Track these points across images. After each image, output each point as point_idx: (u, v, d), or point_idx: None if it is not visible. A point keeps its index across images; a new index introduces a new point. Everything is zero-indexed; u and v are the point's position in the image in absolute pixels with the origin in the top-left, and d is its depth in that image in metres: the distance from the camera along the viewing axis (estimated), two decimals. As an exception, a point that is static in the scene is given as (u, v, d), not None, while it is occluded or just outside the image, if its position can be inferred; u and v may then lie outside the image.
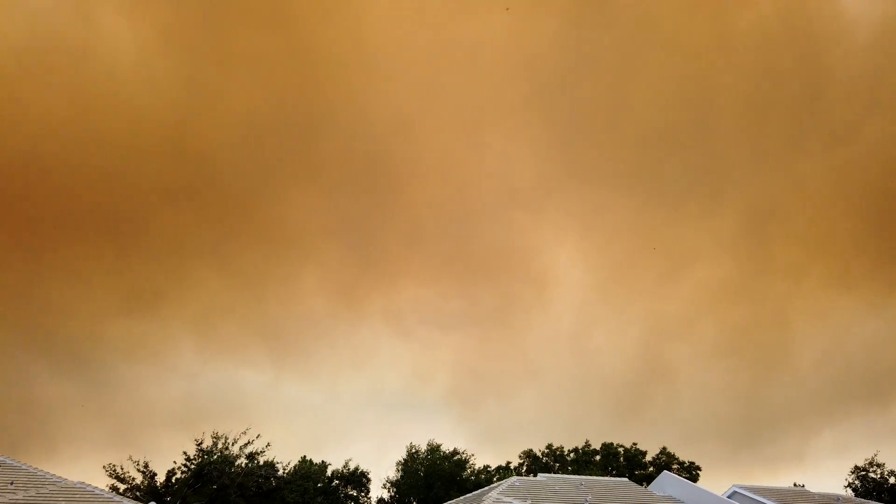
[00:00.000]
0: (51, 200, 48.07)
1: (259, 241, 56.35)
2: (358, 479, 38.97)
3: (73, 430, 42.39)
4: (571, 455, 46.26)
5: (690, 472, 43.81)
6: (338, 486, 38.29)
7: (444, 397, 57.47)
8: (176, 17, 47.90)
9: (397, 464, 39.56)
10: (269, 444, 29.57)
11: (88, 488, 16.20)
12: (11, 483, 15.09)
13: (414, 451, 39.62)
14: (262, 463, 30.05)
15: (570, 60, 52.52)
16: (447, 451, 39.28)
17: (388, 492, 39.10)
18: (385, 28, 51.08)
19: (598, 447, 46.22)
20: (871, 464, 38.75)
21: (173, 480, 26.61)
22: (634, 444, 45.80)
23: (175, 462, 27.16)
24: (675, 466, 43.93)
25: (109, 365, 47.15)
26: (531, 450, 46.92)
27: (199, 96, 51.17)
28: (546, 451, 46.90)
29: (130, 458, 25.85)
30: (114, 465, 25.39)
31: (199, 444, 27.48)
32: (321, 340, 58.14)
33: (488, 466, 43.36)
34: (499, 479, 38.39)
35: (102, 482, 25.06)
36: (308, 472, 35.33)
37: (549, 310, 61.36)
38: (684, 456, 44.51)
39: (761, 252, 59.42)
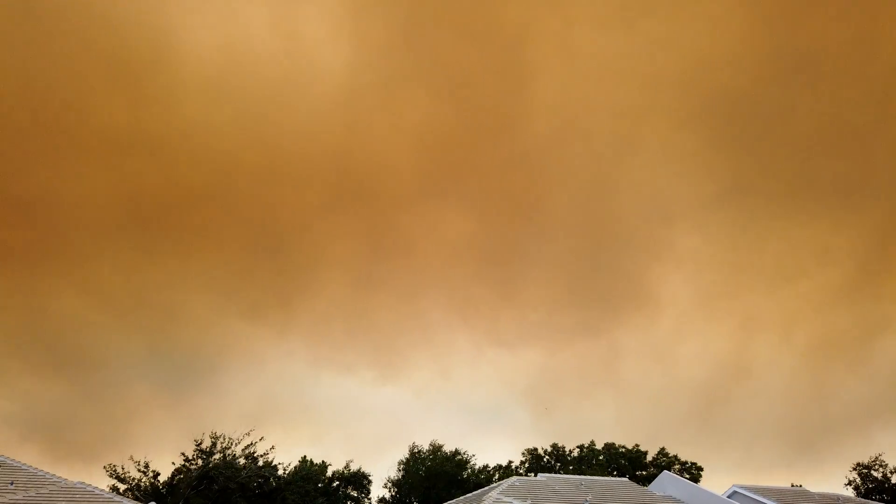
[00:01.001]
0: (202, 208, 51.77)
1: (395, 256, 58.14)
2: (359, 480, 38.98)
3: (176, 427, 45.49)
4: (574, 454, 46.29)
5: (692, 472, 43.76)
6: (338, 486, 38.31)
7: (525, 401, 58.09)
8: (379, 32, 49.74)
9: (399, 463, 39.61)
10: (273, 447, 29.67)
11: (88, 488, 16.26)
12: (11, 483, 15.16)
13: (416, 450, 39.64)
14: (262, 464, 30.09)
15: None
16: (449, 452, 39.30)
17: (390, 491, 39.14)
18: (551, 38, 51.05)
19: (600, 447, 46.26)
20: (874, 461, 38.67)
21: (175, 481, 26.67)
22: (636, 444, 45.81)
23: (174, 463, 27.24)
24: (676, 467, 43.90)
25: (222, 367, 50.88)
26: (535, 448, 46.96)
27: (374, 109, 52.93)
28: (549, 449, 46.92)
29: (132, 457, 25.95)
30: (114, 465, 25.47)
31: (198, 445, 27.53)
32: (432, 351, 60.17)
33: (488, 466, 43.37)
34: (499, 479, 38.42)
35: (104, 482, 25.18)
36: (308, 472, 35.36)
37: (650, 319, 60.71)
38: (752, 462, 44.13)
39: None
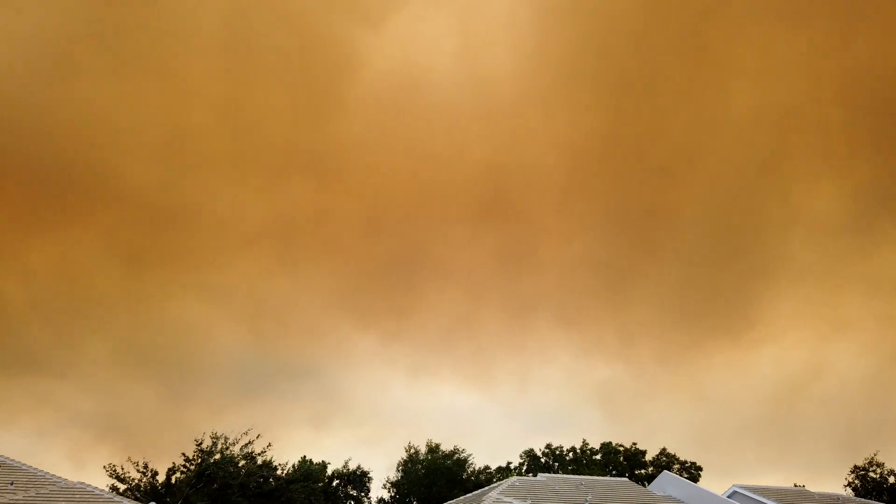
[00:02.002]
0: (339, 221, 55.77)
1: (519, 270, 59.70)
2: (359, 479, 38.94)
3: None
4: (570, 455, 46.27)
5: (691, 472, 43.79)
6: (338, 486, 38.28)
7: (605, 412, 58.52)
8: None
9: (398, 464, 39.56)
10: (269, 445, 29.60)
11: (88, 488, 16.21)
12: (11, 483, 15.11)
13: (414, 451, 39.57)
14: (261, 463, 30.04)
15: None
16: (446, 451, 39.22)
17: (389, 492, 39.09)
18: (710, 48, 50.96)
19: (597, 447, 46.24)
20: (870, 463, 38.73)
21: (173, 480, 26.60)
22: (634, 443, 45.80)
23: (174, 462, 27.18)
24: (675, 467, 43.92)
25: (328, 372, 54.26)
26: (531, 449, 46.94)
27: (532, 120, 54.44)
28: (546, 450, 46.90)
29: (129, 458, 25.88)
30: (114, 465, 25.41)
31: (198, 444, 27.48)
32: (524, 361, 61.32)
33: (488, 467, 43.36)
34: (499, 479, 38.41)
35: (103, 482, 25.12)
36: (308, 471, 35.33)
37: (749, 337, 60.12)
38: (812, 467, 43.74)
39: None
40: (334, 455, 52.15)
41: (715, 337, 59.12)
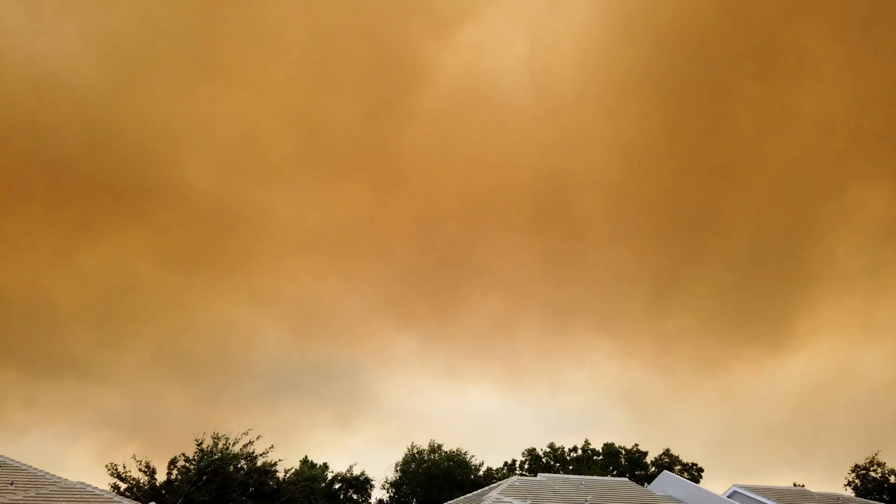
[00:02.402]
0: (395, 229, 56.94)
1: (567, 276, 60.11)
2: (360, 484, 38.84)
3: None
4: (572, 455, 46.26)
5: (692, 472, 43.76)
6: (339, 489, 38.25)
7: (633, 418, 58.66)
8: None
9: (396, 464, 39.52)
10: (272, 446, 29.60)
11: (88, 488, 16.23)
12: (11, 483, 15.13)
13: (415, 451, 39.53)
14: (261, 464, 30.05)
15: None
16: (447, 451, 39.20)
17: (388, 493, 39.07)
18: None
19: (599, 447, 46.23)
20: (871, 463, 38.68)
21: (173, 477, 26.61)
22: (636, 444, 45.79)
23: (175, 462, 27.17)
24: (676, 467, 43.90)
25: (367, 374, 56.04)
26: (533, 448, 46.95)
27: (590, 123, 54.53)
28: (547, 450, 46.89)
29: (134, 456, 25.91)
30: (115, 465, 25.43)
31: (199, 444, 27.49)
32: (555, 367, 61.72)
33: (489, 466, 43.37)
34: (499, 479, 38.39)
35: (105, 481, 25.14)
36: (309, 473, 35.33)
37: (787, 348, 60.13)
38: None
39: None
40: (355, 454, 52.88)
41: (751, 345, 59.24)
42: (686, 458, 44.80)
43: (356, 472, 38.75)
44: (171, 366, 49.58)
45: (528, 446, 47.04)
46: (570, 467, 44.39)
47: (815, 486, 34.79)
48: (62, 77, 44.66)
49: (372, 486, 39.20)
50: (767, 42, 50.88)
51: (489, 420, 57.04)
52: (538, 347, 61.74)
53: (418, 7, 51.35)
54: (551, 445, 47.08)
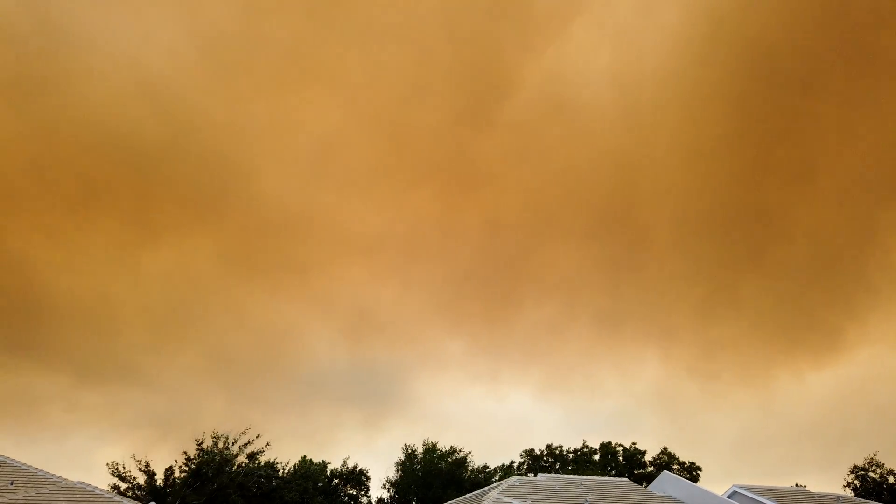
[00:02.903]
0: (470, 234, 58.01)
1: (626, 283, 59.95)
2: (357, 478, 38.91)
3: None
4: (571, 455, 46.27)
5: (691, 472, 43.79)
6: (337, 485, 38.26)
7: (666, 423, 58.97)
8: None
9: (396, 464, 39.48)
10: (268, 444, 29.58)
11: (88, 488, 16.20)
12: (11, 483, 15.09)
13: (411, 450, 39.50)
14: (261, 463, 30.03)
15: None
16: (443, 450, 39.13)
17: (388, 492, 39.05)
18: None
19: (596, 447, 46.25)
20: (870, 463, 38.74)
21: (172, 479, 26.59)
22: (633, 443, 45.82)
23: (175, 461, 27.18)
24: (675, 467, 43.92)
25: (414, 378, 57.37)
26: (532, 449, 46.95)
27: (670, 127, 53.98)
28: (545, 450, 46.90)
29: (133, 456, 25.88)
30: (116, 464, 25.41)
31: (199, 444, 27.47)
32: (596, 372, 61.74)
33: (487, 466, 43.34)
34: (499, 479, 38.37)
35: (105, 481, 25.11)
36: (308, 471, 35.32)
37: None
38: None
39: None
40: (381, 455, 53.43)
41: (796, 352, 59.15)
42: (711, 461, 44.80)
43: (350, 465, 38.83)
44: (220, 368, 50.77)
45: (541, 447, 47.18)
46: (570, 467, 44.39)
47: (815, 487, 34.85)
48: (158, 81, 46.12)
49: (368, 479, 39.20)
50: (855, 47, 49.85)
51: (521, 423, 57.89)
52: (583, 352, 62.10)
53: (512, 17, 51.88)
54: (548, 446, 47.08)
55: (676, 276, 58.55)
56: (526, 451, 46.94)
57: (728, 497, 27.30)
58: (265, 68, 49.59)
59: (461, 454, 39.15)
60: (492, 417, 57.20)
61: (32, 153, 43.80)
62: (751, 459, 53.26)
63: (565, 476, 30.35)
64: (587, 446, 46.36)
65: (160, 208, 49.58)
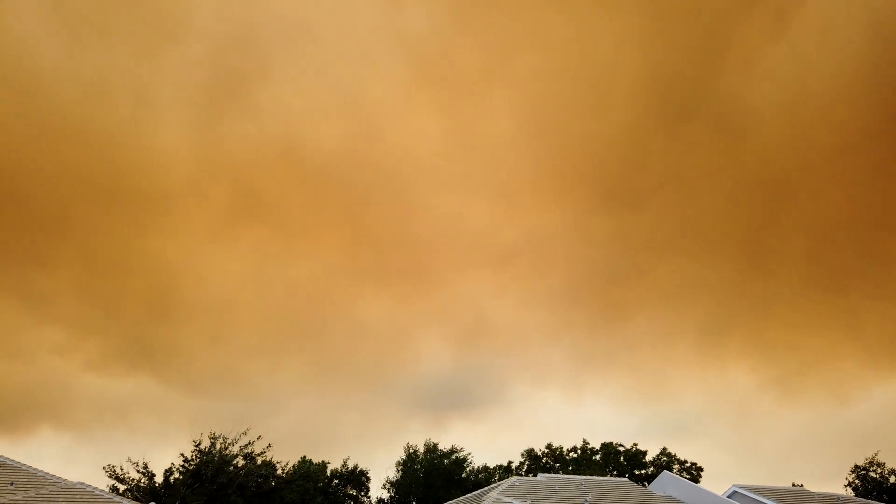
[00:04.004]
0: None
1: (743, 293, 58.80)
2: (357, 479, 38.90)
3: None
4: (571, 455, 46.23)
5: (691, 472, 43.76)
6: (337, 485, 38.25)
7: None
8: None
9: (397, 464, 39.49)
10: (269, 445, 29.58)
11: (88, 488, 16.19)
12: (11, 483, 15.08)
13: (412, 451, 39.50)
14: (261, 463, 30.00)
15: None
16: (444, 450, 39.14)
17: (388, 492, 39.05)
18: None
19: (597, 447, 46.20)
20: (871, 463, 38.72)
21: (171, 480, 26.57)
22: (634, 444, 45.77)
23: (173, 463, 27.15)
24: (675, 467, 43.89)
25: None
26: (532, 449, 46.91)
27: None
28: (546, 450, 46.87)
29: (129, 458, 25.86)
30: (113, 466, 25.38)
31: (196, 445, 27.45)
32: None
33: (488, 466, 43.34)
34: (499, 479, 38.38)
35: (102, 482, 25.09)
36: (308, 471, 35.30)
37: None
38: None
39: None
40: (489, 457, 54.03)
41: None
42: (777, 470, 44.25)
43: (350, 465, 38.84)
44: (324, 375, 53.18)
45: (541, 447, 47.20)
46: (570, 467, 44.37)
47: (815, 487, 34.83)
48: (355, 96, 48.86)
49: (368, 479, 39.19)
50: None
51: (597, 429, 59.72)
52: (680, 364, 61.66)
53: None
54: (549, 446, 47.05)
55: (796, 289, 57.33)
56: (526, 451, 46.91)
57: (728, 497, 27.28)
58: (457, 78, 51.38)
59: (462, 454, 39.20)
60: (573, 423, 58.63)
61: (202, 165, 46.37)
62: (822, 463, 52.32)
63: (565, 476, 30.34)
64: (589, 446, 46.32)
65: (304, 219, 51.78)
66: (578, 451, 46.18)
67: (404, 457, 39.38)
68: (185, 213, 49.01)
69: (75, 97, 43.04)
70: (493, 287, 59.48)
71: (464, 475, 38.49)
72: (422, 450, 39.18)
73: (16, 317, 45.01)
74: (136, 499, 24.28)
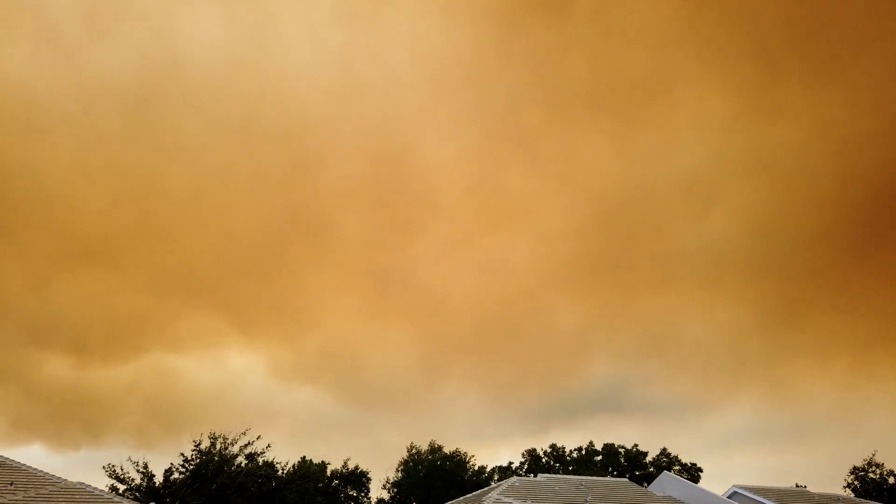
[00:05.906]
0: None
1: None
2: (357, 479, 38.86)
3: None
4: (573, 455, 46.23)
5: (691, 472, 43.76)
6: (338, 486, 38.23)
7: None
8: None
9: (398, 464, 39.52)
10: (269, 445, 29.55)
11: (88, 488, 16.18)
12: (11, 483, 15.07)
13: (415, 451, 39.50)
14: (261, 463, 29.97)
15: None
16: (448, 452, 39.17)
17: (389, 492, 39.05)
18: None
19: (599, 447, 46.20)
20: (869, 464, 38.71)
21: (171, 480, 26.55)
22: (635, 444, 45.77)
23: (172, 463, 27.12)
24: (675, 467, 43.89)
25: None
26: (534, 449, 46.91)
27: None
28: (548, 450, 46.86)
29: (130, 458, 25.84)
30: (113, 466, 25.37)
31: (196, 445, 27.41)
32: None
33: (487, 466, 43.37)
34: (499, 480, 38.36)
35: (102, 482, 25.09)
36: (308, 471, 35.29)
37: None
38: None
39: None
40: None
41: None
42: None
43: (350, 466, 38.86)
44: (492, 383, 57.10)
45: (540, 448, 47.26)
46: (571, 468, 44.36)
47: (815, 487, 34.81)
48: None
49: (369, 480, 39.17)
50: None
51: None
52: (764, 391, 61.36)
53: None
54: (552, 446, 47.04)
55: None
56: (527, 451, 46.89)
57: (728, 497, 27.29)
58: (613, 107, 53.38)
59: (462, 454, 39.21)
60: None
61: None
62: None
63: (565, 476, 30.32)
64: (591, 447, 46.32)
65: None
66: (582, 451, 46.19)
67: (406, 457, 39.42)
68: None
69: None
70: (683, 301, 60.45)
71: (465, 476, 38.47)
72: (426, 450, 39.22)
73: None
74: (135, 499, 24.27)
